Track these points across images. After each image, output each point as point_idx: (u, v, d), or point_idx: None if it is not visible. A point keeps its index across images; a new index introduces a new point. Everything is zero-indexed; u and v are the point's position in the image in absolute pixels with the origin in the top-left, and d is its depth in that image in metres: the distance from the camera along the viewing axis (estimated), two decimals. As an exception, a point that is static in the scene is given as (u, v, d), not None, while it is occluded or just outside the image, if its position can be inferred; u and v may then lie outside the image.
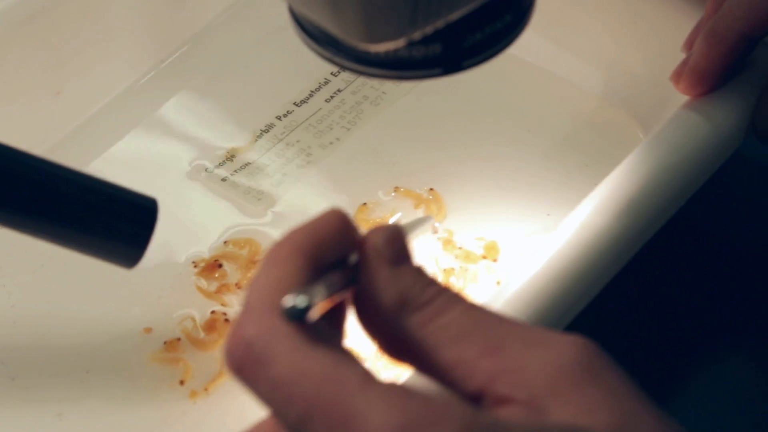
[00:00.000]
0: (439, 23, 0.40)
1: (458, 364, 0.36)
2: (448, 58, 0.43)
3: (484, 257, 0.59)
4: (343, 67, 0.43)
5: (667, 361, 0.58)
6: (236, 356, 0.36)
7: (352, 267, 0.38)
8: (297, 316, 0.35)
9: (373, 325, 0.38)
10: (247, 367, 0.36)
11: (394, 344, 0.38)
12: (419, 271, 0.38)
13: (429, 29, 0.40)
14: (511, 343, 0.36)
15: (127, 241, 0.51)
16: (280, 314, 0.35)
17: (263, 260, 0.37)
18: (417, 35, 0.40)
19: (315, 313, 0.36)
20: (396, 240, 0.38)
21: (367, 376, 0.35)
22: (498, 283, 0.58)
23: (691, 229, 0.61)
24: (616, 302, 0.58)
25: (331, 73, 0.68)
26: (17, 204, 0.49)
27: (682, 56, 0.56)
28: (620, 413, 0.35)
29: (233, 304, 0.58)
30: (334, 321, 0.39)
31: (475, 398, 0.36)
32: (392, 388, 0.34)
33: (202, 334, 0.57)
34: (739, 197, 0.63)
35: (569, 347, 0.36)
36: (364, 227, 0.60)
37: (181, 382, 0.56)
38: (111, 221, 0.50)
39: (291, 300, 0.35)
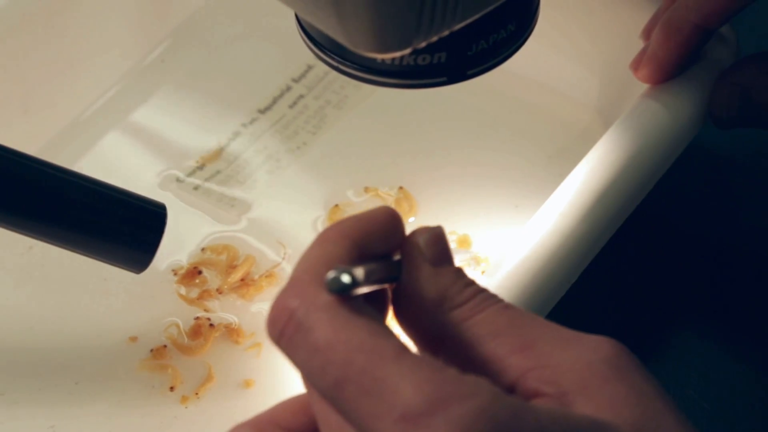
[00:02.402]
0: (445, 32, 0.41)
1: (492, 360, 0.38)
2: (453, 67, 0.44)
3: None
4: (349, 75, 0.45)
5: (634, 347, 0.60)
6: (278, 324, 0.37)
7: (395, 263, 0.40)
8: (340, 289, 0.37)
9: (410, 320, 0.39)
10: (287, 334, 0.37)
11: (431, 340, 0.39)
12: (459, 272, 0.40)
13: (434, 38, 0.41)
14: (543, 341, 0.38)
15: (137, 246, 0.52)
16: (323, 286, 0.37)
17: (313, 241, 0.39)
18: (422, 44, 0.41)
19: (357, 291, 0.38)
20: (438, 241, 0.40)
21: (402, 348, 0.36)
22: (483, 273, 0.59)
23: (651, 219, 0.63)
24: (585, 292, 0.60)
25: (292, 80, 0.69)
26: (31, 209, 0.50)
27: (638, 47, 0.58)
28: (643, 411, 0.36)
29: (216, 310, 0.59)
30: (375, 306, 0.40)
31: (507, 392, 0.37)
32: (426, 361, 0.36)
33: (187, 340, 0.58)
34: (694, 186, 0.65)
35: (599, 346, 0.38)
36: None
37: (171, 388, 0.57)
38: (122, 226, 0.51)
39: (335, 273, 0.37)
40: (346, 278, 0.37)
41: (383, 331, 0.36)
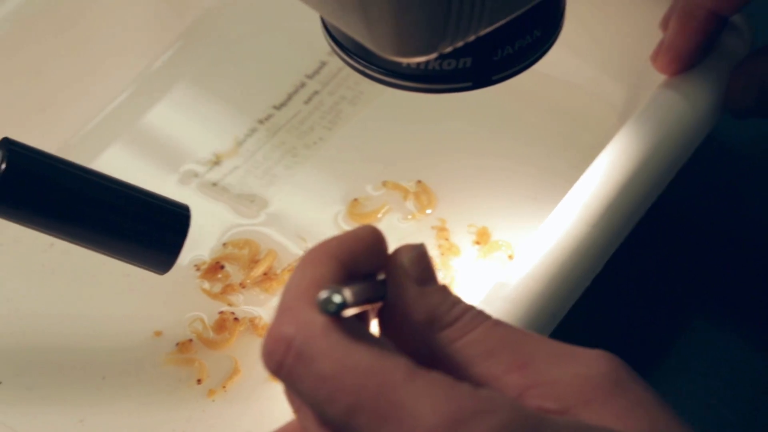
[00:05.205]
0: (471, 38, 0.41)
1: (488, 380, 0.37)
2: (479, 72, 0.44)
3: (477, 243, 0.61)
4: (374, 79, 0.45)
5: (651, 341, 0.61)
6: (276, 355, 0.36)
7: (379, 283, 0.39)
8: (333, 309, 0.36)
9: (398, 340, 0.39)
10: (287, 365, 0.36)
11: (421, 360, 0.38)
12: (445, 291, 0.39)
13: (460, 43, 0.41)
14: (538, 357, 0.37)
15: (161, 248, 0.52)
16: (316, 309, 0.36)
17: (297, 264, 0.38)
18: (448, 49, 0.41)
19: (348, 311, 0.37)
20: (422, 260, 0.39)
21: (411, 368, 0.35)
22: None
23: (666, 212, 0.64)
24: (602, 287, 0.60)
25: (306, 76, 0.70)
26: (54, 209, 0.50)
27: (655, 40, 0.59)
28: (649, 422, 0.36)
29: (239, 304, 0.60)
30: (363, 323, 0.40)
31: None
32: (438, 379, 0.35)
33: (212, 334, 0.59)
34: (709, 179, 0.66)
35: (596, 361, 0.37)
36: (358, 223, 0.63)
37: (198, 381, 0.57)
38: (146, 228, 0.52)
39: (327, 293, 0.36)
40: (337, 298, 0.36)
41: (388, 351, 0.36)
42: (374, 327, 0.40)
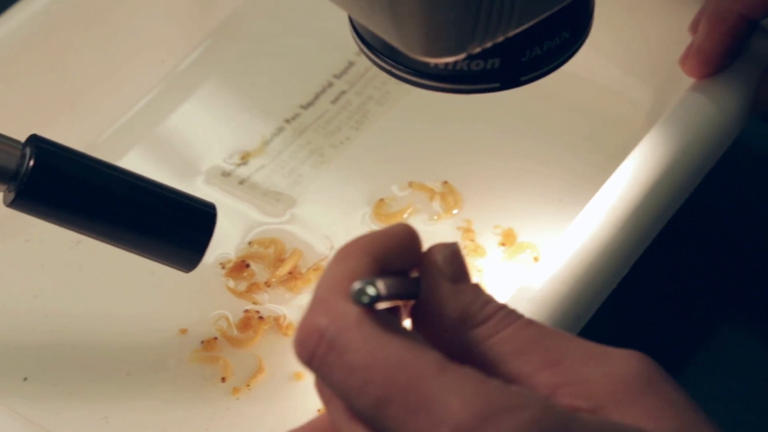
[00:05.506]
0: (500, 38, 0.41)
1: (519, 378, 0.37)
2: (507, 73, 0.44)
3: (503, 244, 0.61)
4: (402, 79, 0.45)
5: (676, 344, 0.60)
6: (308, 346, 0.36)
7: (413, 280, 0.39)
8: (366, 301, 0.36)
9: (431, 337, 0.39)
10: (319, 355, 0.36)
11: (454, 357, 0.38)
12: (478, 289, 0.39)
13: (489, 44, 0.41)
14: (570, 356, 0.37)
15: (187, 246, 0.52)
16: (350, 300, 0.36)
17: (332, 258, 0.38)
18: (477, 50, 0.41)
19: (381, 305, 0.37)
20: (455, 258, 0.39)
21: (442, 362, 0.36)
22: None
23: (693, 215, 0.63)
24: (628, 290, 0.60)
25: (334, 76, 0.70)
26: (83, 206, 0.51)
27: (683, 42, 0.59)
28: (681, 423, 0.36)
29: (264, 302, 0.60)
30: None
31: None
32: (469, 373, 0.35)
33: (237, 333, 0.59)
34: (737, 183, 0.66)
35: (628, 360, 0.37)
36: (384, 223, 0.63)
37: (223, 379, 0.57)
38: (172, 225, 0.52)
39: (360, 284, 0.36)
40: (371, 290, 0.36)
41: (420, 344, 0.36)
42: (407, 324, 0.40)
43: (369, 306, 0.36)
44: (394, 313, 0.40)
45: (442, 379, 0.35)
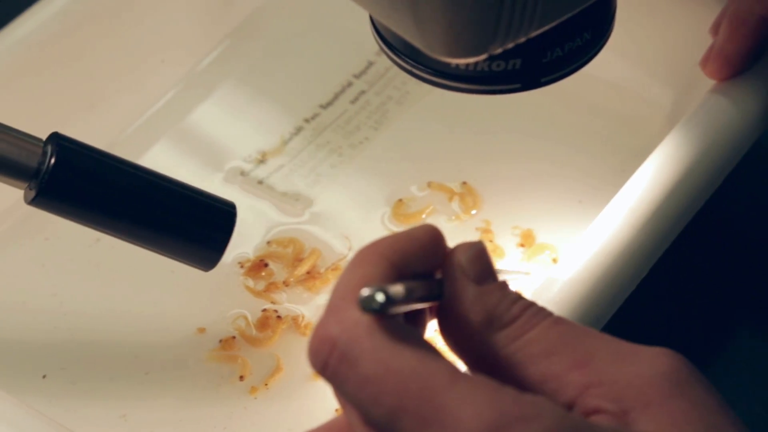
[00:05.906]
0: (521, 39, 0.41)
1: (548, 378, 0.37)
2: (528, 74, 0.44)
3: (522, 245, 0.61)
4: (423, 79, 0.45)
5: (695, 347, 0.60)
6: (320, 355, 0.36)
7: (436, 282, 0.39)
8: (376, 308, 0.36)
9: (457, 340, 0.39)
10: (332, 365, 0.36)
11: (480, 359, 0.38)
12: (504, 289, 0.39)
13: (510, 45, 0.41)
14: (599, 356, 0.37)
15: (207, 245, 0.53)
16: (360, 308, 0.36)
17: (348, 263, 0.38)
18: (498, 50, 0.41)
19: (395, 310, 0.37)
20: (481, 257, 0.39)
21: (455, 371, 0.35)
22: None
23: (712, 218, 0.63)
24: (647, 290, 0.60)
25: (353, 75, 0.70)
26: (103, 205, 0.51)
27: (704, 44, 0.58)
28: (705, 426, 0.36)
29: (283, 302, 0.60)
30: (415, 324, 0.40)
31: (565, 410, 0.37)
32: (482, 383, 0.35)
33: (255, 332, 0.59)
34: (759, 186, 0.65)
35: (658, 360, 0.37)
36: (402, 223, 0.63)
37: (241, 378, 0.57)
38: (193, 224, 0.52)
39: (368, 291, 0.36)
40: (380, 297, 0.35)
41: (431, 354, 0.36)
42: (433, 327, 0.40)
43: (380, 312, 0.36)
44: (418, 318, 0.39)
45: (455, 390, 0.35)
